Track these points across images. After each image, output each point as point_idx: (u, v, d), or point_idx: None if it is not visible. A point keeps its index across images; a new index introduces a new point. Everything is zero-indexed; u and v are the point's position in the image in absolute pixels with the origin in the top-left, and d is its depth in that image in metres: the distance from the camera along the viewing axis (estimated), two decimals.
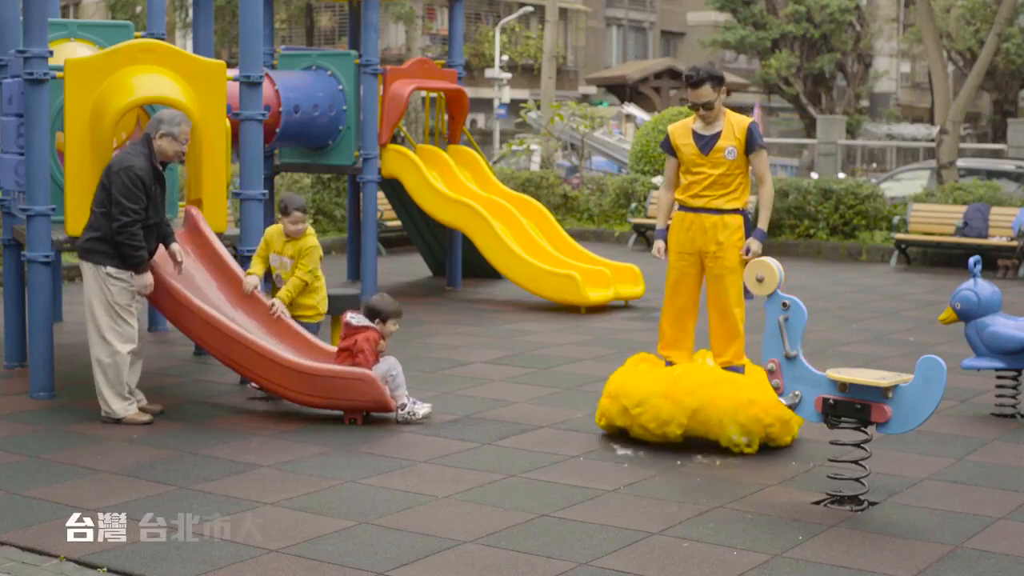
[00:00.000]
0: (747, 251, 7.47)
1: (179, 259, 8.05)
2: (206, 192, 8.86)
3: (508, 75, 42.71)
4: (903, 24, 53.03)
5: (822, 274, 16.37)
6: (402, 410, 7.87)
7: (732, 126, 7.57)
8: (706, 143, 7.56)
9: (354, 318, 8.07)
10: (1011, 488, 6.61)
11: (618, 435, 7.46)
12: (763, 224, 7.59)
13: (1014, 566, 5.43)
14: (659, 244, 7.76)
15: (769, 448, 7.20)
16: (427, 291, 14.33)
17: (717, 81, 7.50)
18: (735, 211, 7.56)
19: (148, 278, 7.77)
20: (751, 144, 7.55)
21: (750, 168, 7.63)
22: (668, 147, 7.75)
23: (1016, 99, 40.83)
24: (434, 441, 7.47)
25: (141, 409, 7.86)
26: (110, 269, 7.72)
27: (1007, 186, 19.69)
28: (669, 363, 7.69)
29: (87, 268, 7.82)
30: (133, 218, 7.62)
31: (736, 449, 7.10)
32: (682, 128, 7.71)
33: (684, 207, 7.66)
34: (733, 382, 7.29)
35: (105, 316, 7.75)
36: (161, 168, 7.86)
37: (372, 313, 8.10)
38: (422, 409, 7.91)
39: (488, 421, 7.96)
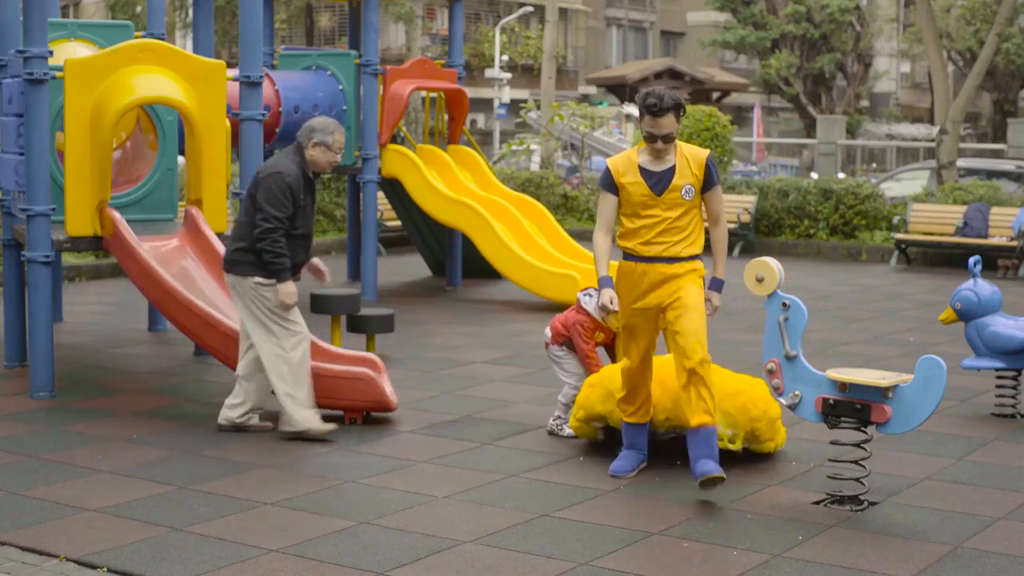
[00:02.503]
0: (713, 307, 6.53)
1: (322, 268, 7.72)
2: (206, 192, 8.86)
3: (508, 75, 42.71)
4: (903, 24, 53.03)
5: (822, 274, 16.37)
6: (554, 421, 7.66)
7: (687, 159, 6.41)
8: (658, 181, 6.38)
9: (588, 298, 7.54)
10: (1011, 488, 6.61)
11: (589, 445, 7.22)
12: (720, 271, 6.58)
13: (1014, 566, 5.43)
14: (610, 293, 6.45)
15: (754, 452, 7.06)
16: (427, 291, 14.33)
17: (680, 110, 6.34)
18: (693, 258, 6.47)
19: (290, 287, 7.29)
20: (709, 181, 6.45)
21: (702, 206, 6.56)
22: (609, 185, 6.48)
23: (1016, 99, 40.83)
24: (434, 441, 7.47)
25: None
26: (258, 279, 7.34)
27: (1007, 186, 19.70)
28: (628, 424, 6.77)
29: (234, 281, 7.42)
30: (275, 225, 7.23)
31: (720, 444, 6.74)
32: (625, 163, 6.47)
33: (632, 256, 6.48)
34: (719, 372, 6.95)
35: (262, 328, 7.39)
36: (313, 178, 7.54)
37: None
38: (568, 431, 7.56)
39: (488, 421, 7.96)
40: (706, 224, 6.57)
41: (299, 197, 7.35)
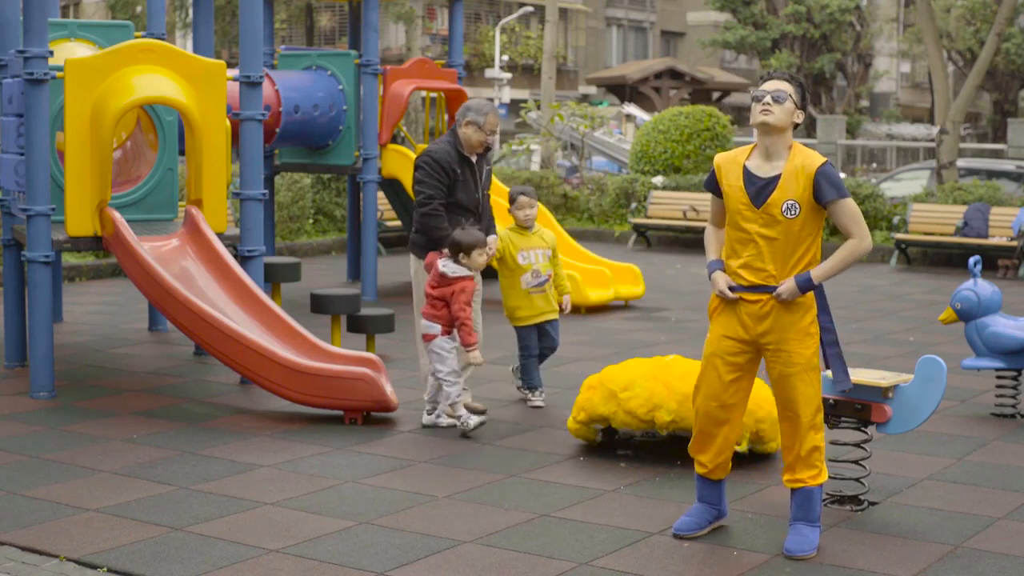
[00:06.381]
0: (777, 294, 5.36)
1: (490, 251, 7.99)
2: (206, 192, 8.86)
3: (508, 75, 42.74)
4: (903, 24, 53.10)
5: None
6: (429, 415, 7.77)
7: (798, 168, 5.29)
8: (760, 190, 5.31)
9: (447, 266, 7.60)
10: (1011, 488, 6.61)
11: (589, 444, 7.25)
12: (816, 270, 5.35)
13: (1014, 566, 5.43)
14: (719, 279, 5.46)
15: (757, 452, 7.04)
16: None
17: (798, 86, 5.32)
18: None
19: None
20: (821, 193, 5.28)
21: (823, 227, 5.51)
22: (712, 184, 5.52)
23: (1016, 99, 40.86)
24: (434, 441, 7.47)
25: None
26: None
27: (1007, 186, 19.70)
28: (700, 476, 5.81)
29: (412, 261, 8.04)
30: (427, 201, 7.75)
31: None
32: (732, 161, 5.43)
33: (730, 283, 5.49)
34: None
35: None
36: (470, 156, 7.92)
37: (455, 248, 7.57)
38: (473, 420, 7.58)
39: (488, 421, 7.95)
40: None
41: (450, 171, 7.80)
